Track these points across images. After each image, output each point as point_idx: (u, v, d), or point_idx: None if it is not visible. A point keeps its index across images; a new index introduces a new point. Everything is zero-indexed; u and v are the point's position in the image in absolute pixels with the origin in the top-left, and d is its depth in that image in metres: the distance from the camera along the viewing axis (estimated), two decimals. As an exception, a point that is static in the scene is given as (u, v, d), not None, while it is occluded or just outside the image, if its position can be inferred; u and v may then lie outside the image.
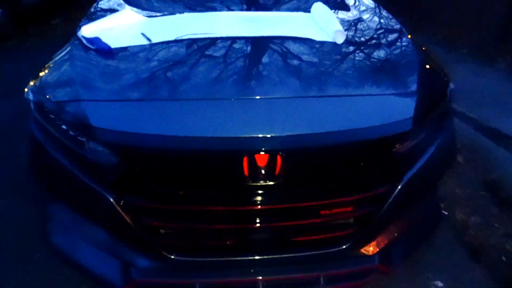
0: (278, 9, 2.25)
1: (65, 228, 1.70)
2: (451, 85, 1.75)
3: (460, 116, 3.18)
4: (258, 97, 1.44)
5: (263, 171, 1.33)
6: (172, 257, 1.49)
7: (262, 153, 1.29)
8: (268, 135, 1.29)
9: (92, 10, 2.28)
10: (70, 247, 1.67)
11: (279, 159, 1.31)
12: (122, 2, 2.29)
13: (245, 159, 1.30)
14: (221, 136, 1.31)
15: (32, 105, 1.60)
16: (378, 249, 1.60)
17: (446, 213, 2.17)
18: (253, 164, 1.31)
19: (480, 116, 3.15)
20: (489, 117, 3.13)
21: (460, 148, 2.74)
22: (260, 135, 1.29)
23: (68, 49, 1.80)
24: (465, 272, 1.87)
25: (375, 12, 2.31)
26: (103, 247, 1.60)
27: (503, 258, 1.93)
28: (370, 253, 1.59)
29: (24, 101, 1.65)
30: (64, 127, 1.45)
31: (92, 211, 1.56)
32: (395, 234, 1.64)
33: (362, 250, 1.58)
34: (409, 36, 1.96)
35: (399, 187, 1.47)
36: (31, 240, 1.97)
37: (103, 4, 2.35)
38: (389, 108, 1.49)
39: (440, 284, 1.79)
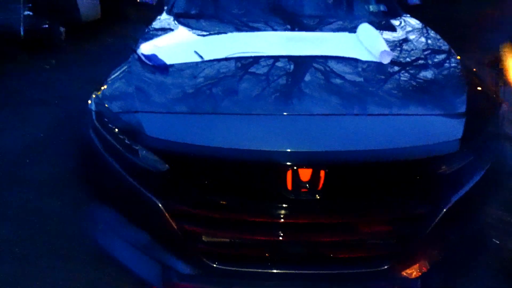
0: (323, 30, 2.31)
1: (111, 230, 1.80)
2: (503, 107, 1.70)
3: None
4: (302, 114, 1.48)
5: (306, 186, 1.36)
6: (213, 265, 1.54)
7: (305, 168, 1.33)
8: (312, 150, 1.32)
9: (148, 29, 2.46)
10: (116, 248, 1.77)
11: (322, 174, 1.34)
12: (176, 22, 2.45)
13: (289, 173, 1.34)
14: (266, 149, 1.36)
15: (93, 115, 1.74)
16: (420, 273, 1.56)
17: (498, 242, 2.06)
18: (296, 179, 1.35)
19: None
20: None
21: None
22: (304, 150, 1.32)
23: (127, 64, 1.95)
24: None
25: (421, 32, 2.31)
26: (146, 250, 1.68)
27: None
28: (412, 276, 1.55)
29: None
30: (121, 136, 1.58)
31: (140, 215, 1.65)
32: (439, 259, 1.60)
33: (403, 273, 1.54)
34: (458, 57, 1.94)
35: (444, 210, 1.44)
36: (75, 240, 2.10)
37: (157, 24, 2.53)
38: (435, 128, 1.48)
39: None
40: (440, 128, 1.49)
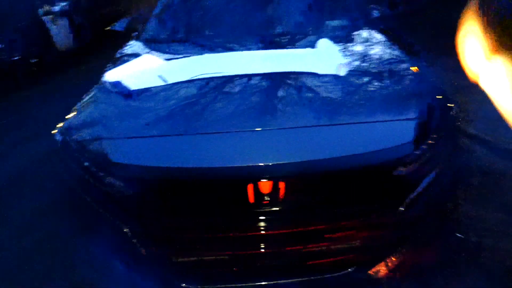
0: (285, 47, 2.40)
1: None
2: (454, 110, 1.80)
3: (471, 137, 3.18)
4: (259, 129, 1.56)
5: (267, 198, 1.42)
6: (182, 285, 1.57)
7: (264, 180, 1.39)
8: (270, 163, 1.38)
9: (117, 56, 2.51)
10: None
11: (282, 185, 1.40)
12: (143, 48, 2.51)
13: (249, 187, 1.40)
14: (225, 166, 1.42)
15: (59, 145, 1.77)
16: (385, 272, 1.62)
17: (462, 236, 2.15)
18: (257, 192, 1.41)
19: (495, 137, 3.13)
20: (503, 137, 3.11)
21: (476, 170, 2.73)
22: (262, 164, 1.39)
23: (93, 93, 2.00)
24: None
25: (379, 43, 2.41)
26: (121, 275, 1.70)
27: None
28: (378, 276, 1.61)
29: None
30: (86, 164, 1.61)
31: (111, 242, 1.67)
32: (405, 258, 1.66)
33: (370, 273, 1.60)
34: (414, 69, 2.03)
35: (401, 209, 1.51)
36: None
37: (125, 51, 2.58)
38: (389, 133, 1.57)
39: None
40: (393, 132, 1.58)
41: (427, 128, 1.64)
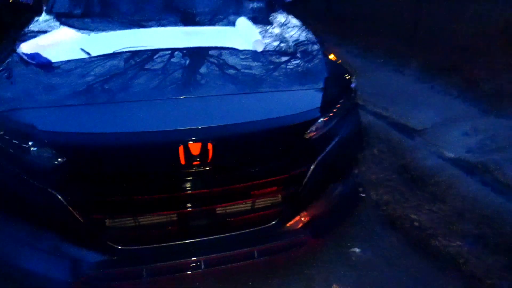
0: (206, 25, 2.52)
1: (13, 239, 1.75)
2: (354, 83, 2.09)
3: (375, 114, 3.65)
4: (187, 96, 1.67)
5: (197, 159, 1.55)
6: (119, 247, 1.64)
7: (194, 142, 1.51)
8: (199, 126, 1.51)
9: (28, 29, 2.38)
10: (20, 256, 1.74)
11: (210, 147, 1.54)
12: (57, 22, 2.42)
13: (180, 148, 1.51)
14: (157, 130, 1.51)
15: None
16: (302, 224, 1.86)
17: (364, 195, 2.51)
18: (188, 153, 1.53)
19: (393, 114, 3.64)
20: (400, 113, 3.62)
21: (375, 140, 3.16)
22: (192, 127, 1.51)
23: (7, 65, 1.90)
24: (380, 239, 2.20)
25: (291, 24, 2.65)
26: (52, 249, 1.70)
27: (416, 223, 2.28)
28: (296, 227, 1.85)
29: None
30: (6, 136, 1.57)
31: (42, 215, 1.65)
32: (317, 211, 1.92)
33: (288, 225, 1.83)
34: (328, 55, 2.28)
35: (312, 167, 1.75)
36: None
37: (37, 24, 2.46)
38: (299, 101, 1.79)
39: (357, 250, 2.10)
40: (302, 100, 1.80)
41: (333, 97, 1.90)
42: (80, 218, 1.57)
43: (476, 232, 2.19)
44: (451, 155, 2.94)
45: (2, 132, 1.58)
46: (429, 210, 2.38)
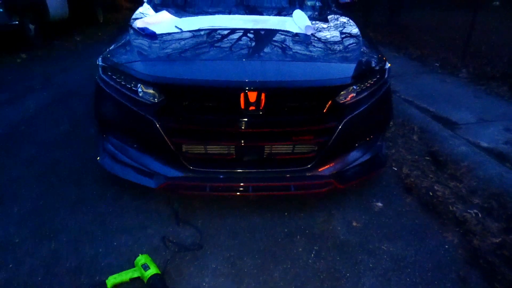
0: (270, 15, 3.15)
1: (117, 152, 2.44)
2: (388, 65, 2.53)
3: (421, 109, 4.02)
4: (252, 60, 2.25)
5: (253, 105, 2.11)
6: (191, 167, 2.26)
7: (252, 91, 2.07)
8: (256, 80, 2.08)
9: (136, 13, 3.14)
10: (119, 168, 2.42)
11: (263, 96, 2.10)
12: (156, 9, 3.17)
13: (242, 95, 2.08)
14: (227, 79, 2.10)
15: (100, 69, 2.39)
16: (331, 171, 2.34)
17: (395, 169, 2.91)
18: (247, 99, 2.09)
19: (437, 109, 3.98)
20: (443, 109, 3.96)
21: (416, 130, 3.53)
22: (251, 80, 2.07)
23: (125, 34, 2.62)
24: (397, 199, 2.60)
25: (341, 19, 3.18)
26: (142, 163, 2.36)
27: (430, 193, 2.65)
28: (326, 173, 2.34)
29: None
30: (122, 81, 2.25)
31: (140, 135, 2.31)
32: (344, 164, 2.40)
33: (320, 170, 2.33)
34: (369, 43, 2.73)
35: (341, 125, 2.22)
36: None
37: (143, 10, 3.23)
38: (338, 70, 2.28)
39: (380, 203, 2.53)
40: (340, 70, 2.28)
41: (366, 72, 2.35)
42: (167, 140, 2.19)
43: (482, 205, 2.50)
44: (485, 145, 3.23)
45: (122, 77, 2.26)
46: (444, 185, 2.72)
